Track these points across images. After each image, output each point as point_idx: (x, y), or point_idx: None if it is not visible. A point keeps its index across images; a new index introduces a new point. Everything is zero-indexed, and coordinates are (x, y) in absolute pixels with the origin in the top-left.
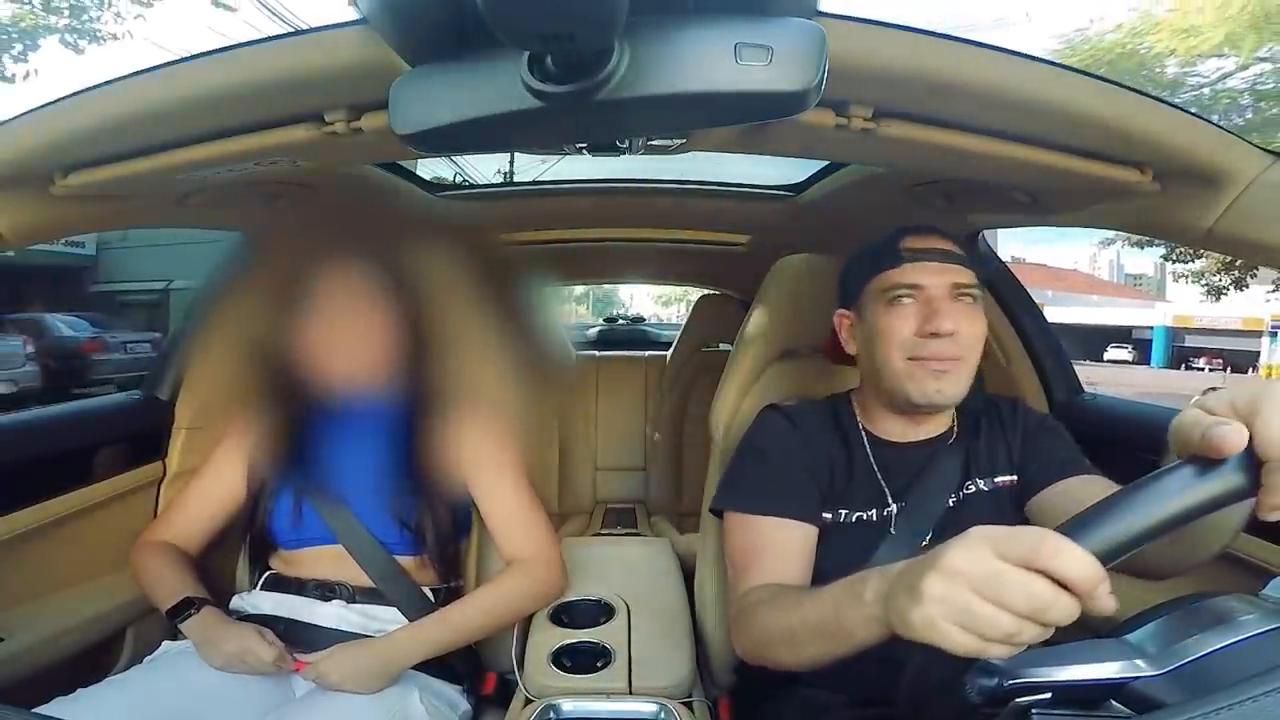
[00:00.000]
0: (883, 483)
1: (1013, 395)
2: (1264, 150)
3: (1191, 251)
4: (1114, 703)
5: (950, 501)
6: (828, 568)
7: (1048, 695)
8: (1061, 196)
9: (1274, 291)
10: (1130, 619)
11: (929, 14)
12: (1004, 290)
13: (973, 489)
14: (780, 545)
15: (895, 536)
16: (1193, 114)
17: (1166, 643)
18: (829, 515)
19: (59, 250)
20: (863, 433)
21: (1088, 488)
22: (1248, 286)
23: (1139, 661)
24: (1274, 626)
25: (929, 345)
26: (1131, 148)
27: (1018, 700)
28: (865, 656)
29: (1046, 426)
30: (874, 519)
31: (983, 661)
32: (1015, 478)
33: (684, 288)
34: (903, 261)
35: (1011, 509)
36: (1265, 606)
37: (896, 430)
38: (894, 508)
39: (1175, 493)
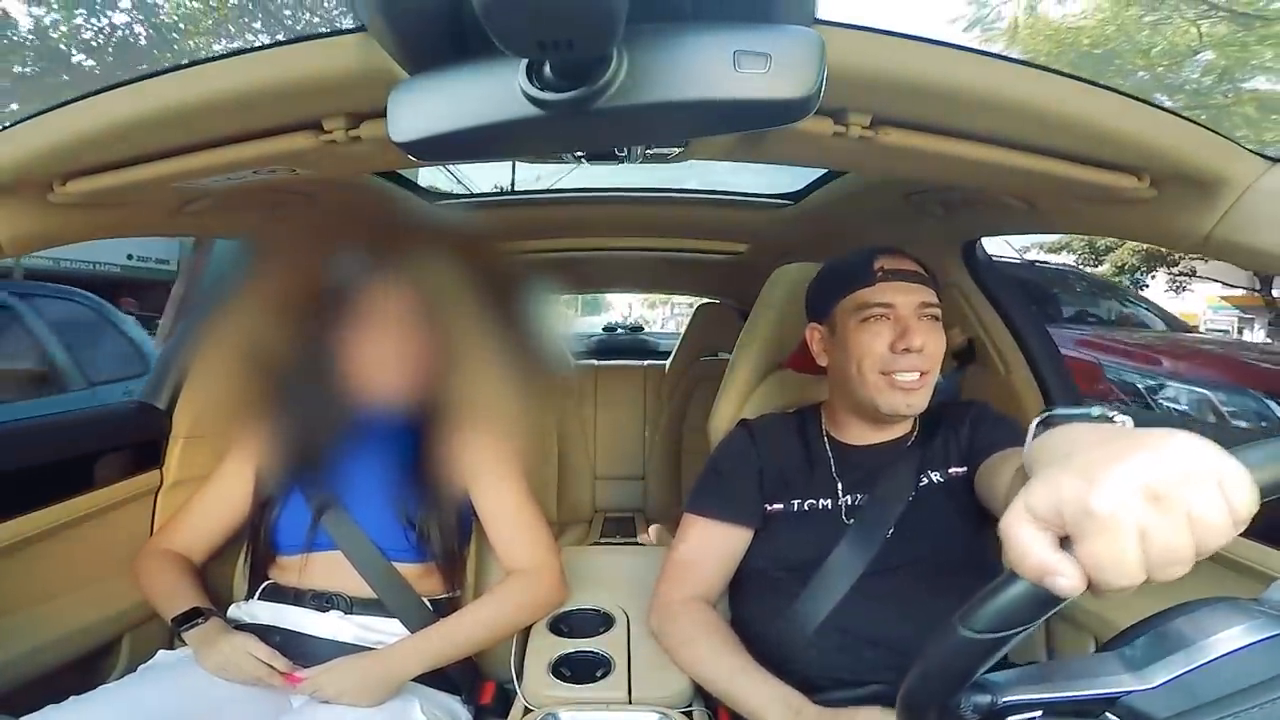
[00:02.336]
0: (836, 476)
1: (1012, 404)
2: (1261, 156)
3: (1096, 259)
4: (1109, 716)
5: (910, 497)
6: (786, 550)
7: (1042, 712)
8: (1058, 203)
9: (1166, 291)
10: (1129, 628)
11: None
12: (1002, 299)
13: (926, 482)
14: (705, 543)
15: (855, 529)
16: (1189, 120)
17: (1162, 654)
18: (780, 505)
19: (152, 267)
20: (825, 437)
21: (1006, 460)
22: (1146, 287)
23: (1132, 675)
24: (1273, 634)
25: (900, 360)
26: (1128, 154)
27: (1012, 717)
28: (869, 655)
29: (987, 415)
30: (827, 507)
31: (978, 678)
32: (965, 468)
33: (669, 294)
34: (876, 281)
35: (965, 497)
36: (1264, 613)
37: (860, 435)
38: (846, 500)
39: (1022, 608)
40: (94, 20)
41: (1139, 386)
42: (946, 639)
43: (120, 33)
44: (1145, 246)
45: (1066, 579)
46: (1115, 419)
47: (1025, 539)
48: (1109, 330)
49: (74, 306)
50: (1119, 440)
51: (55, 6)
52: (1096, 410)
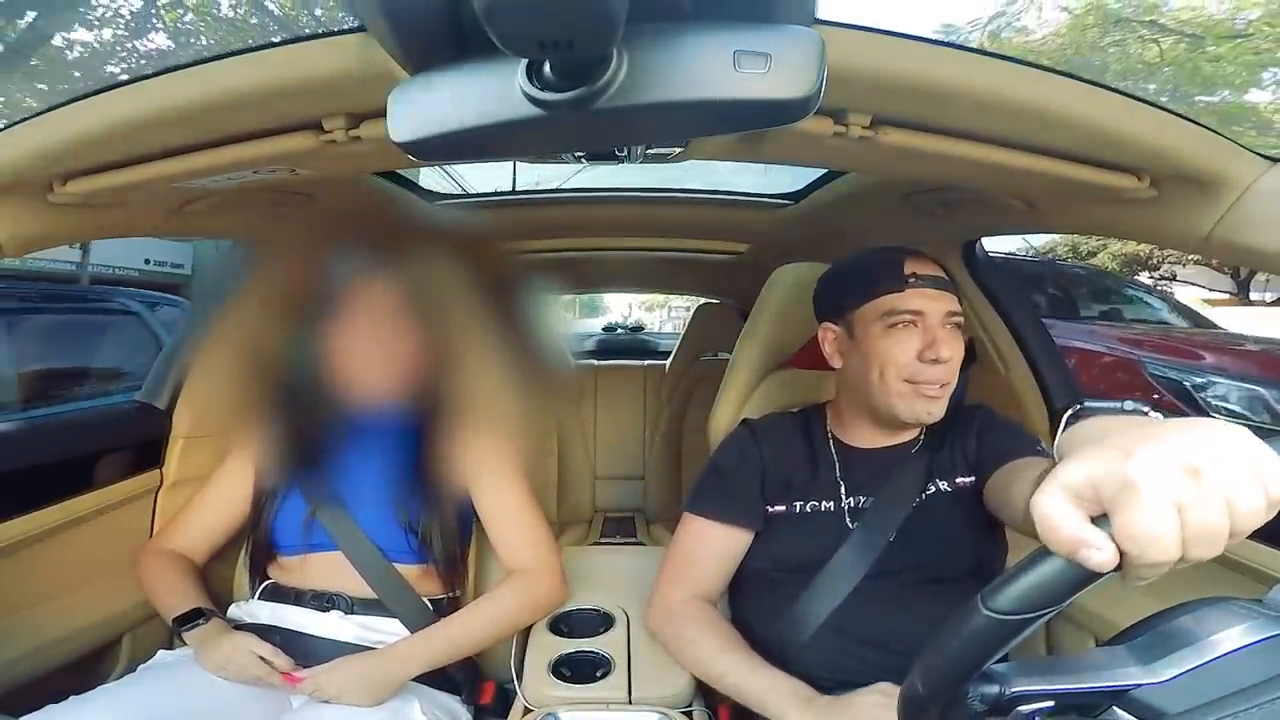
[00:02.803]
0: (840, 479)
1: (1011, 404)
2: (1260, 155)
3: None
4: (1117, 710)
5: (914, 503)
6: (787, 551)
7: (1050, 703)
8: (1058, 203)
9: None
10: (1132, 626)
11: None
12: (1002, 298)
13: (934, 489)
14: (705, 543)
15: (858, 532)
16: (1190, 120)
17: (1169, 650)
18: (782, 507)
19: (168, 271)
20: (830, 437)
21: (1020, 470)
22: None
23: (1141, 669)
24: (1277, 633)
25: (926, 371)
26: (1128, 154)
27: (1020, 709)
28: (871, 657)
29: (995, 422)
30: (830, 509)
31: (986, 669)
32: (973, 478)
33: (667, 296)
34: (907, 287)
35: (972, 506)
36: (1268, 613)
37: (866, 438)
38: (849, 502)
39: (1050, 588)
40: (137, 43)
41: (1185, 384)
42: (967, 619)
43: (162, 55)
44: (1126, 251)
45: (1100, 552)
46: (1149, 414)
47: (1059, 513)
48: (1150, 327)
49: (179, 311)
50: (1155, 425)
51: (97, 25)
52: (1130, 405)
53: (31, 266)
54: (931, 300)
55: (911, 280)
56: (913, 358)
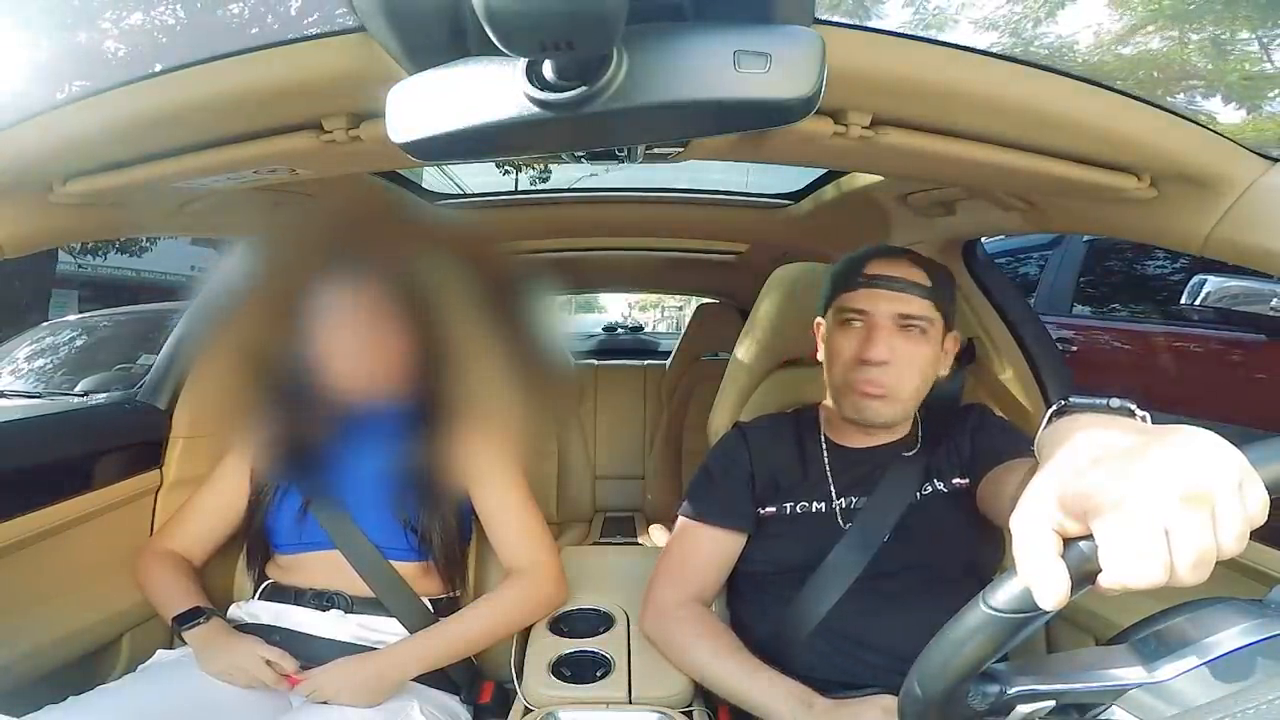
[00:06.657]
0: (830, 479)
1: (1011, 404)
2: (1260, 155)
3: None
4: (1117, 709)
5: (910, 503)
6: (781, 552)
7: (1051, 703)
8: (1058, 203)
9: None
10: (1133, 625)
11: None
12: (1001, 297)
13: (930, 490)
14: (699, 546)
15: (851, 533)
16: (1190, 119)
17: (1169, 649)
18: (774, 508)
19: (186, 273)
20: (821, 438)
21: (1010, 472)
22: None
23: (1142, 668)
24: (1277, 633)
25: (863, 370)
26: (1128, 154)
27: (1020, 708)
28: (867, 658)
29: (987, 423)
30: (821, 511)
31: (986, 668)
32: (966, 479)
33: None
34: (859, 286)
35: (968, 508)
36: (1268, 613)
37: (854, 438)
38: (840, 502)
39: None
40: None
41: None
42: (968, 616)
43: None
44: None
45: (1047, 596)
46: (1135, 412)
47: (1032, 538)
48: None
49: None
50: (1144, 435)
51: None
52: (1116, 402)
53: (146, 280)
54: (882, 301)
55: (863, 280)
56: (850, 356)
